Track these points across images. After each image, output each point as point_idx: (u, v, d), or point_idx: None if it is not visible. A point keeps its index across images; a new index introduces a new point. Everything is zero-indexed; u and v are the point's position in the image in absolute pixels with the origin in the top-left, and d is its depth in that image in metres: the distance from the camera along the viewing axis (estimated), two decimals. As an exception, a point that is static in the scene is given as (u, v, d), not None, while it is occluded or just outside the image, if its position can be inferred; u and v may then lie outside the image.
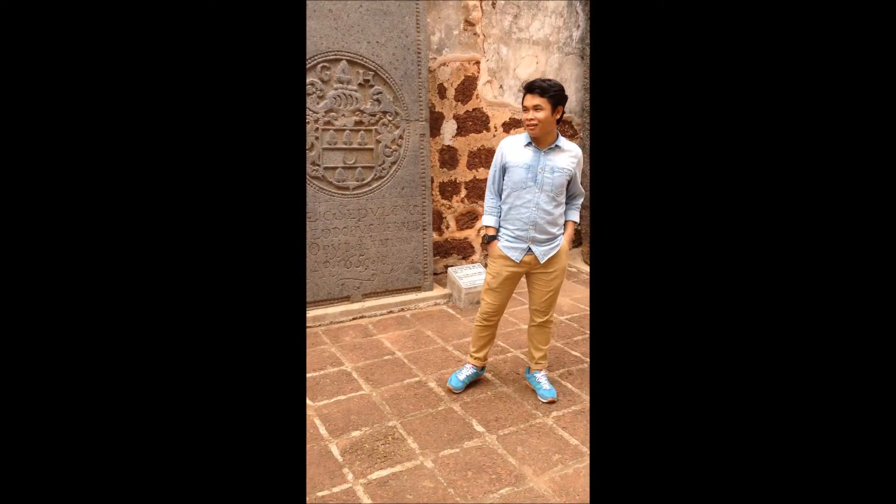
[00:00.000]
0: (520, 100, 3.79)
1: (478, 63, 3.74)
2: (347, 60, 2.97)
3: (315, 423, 2.08)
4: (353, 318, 3.08)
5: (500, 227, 2.15)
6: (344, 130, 3.02)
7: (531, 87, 1.93)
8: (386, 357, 2.62)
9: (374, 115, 3.09)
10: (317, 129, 2.95)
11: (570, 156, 2.05)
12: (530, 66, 3.98)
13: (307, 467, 1.81)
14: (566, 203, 2.14)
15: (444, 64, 3.60)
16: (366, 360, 2.59)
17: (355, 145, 3.06)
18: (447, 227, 3.81)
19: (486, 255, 3.85)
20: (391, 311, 3.19)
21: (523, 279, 2.23)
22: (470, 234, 3.92)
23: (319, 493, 1.68)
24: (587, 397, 2.25)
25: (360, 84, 3.02)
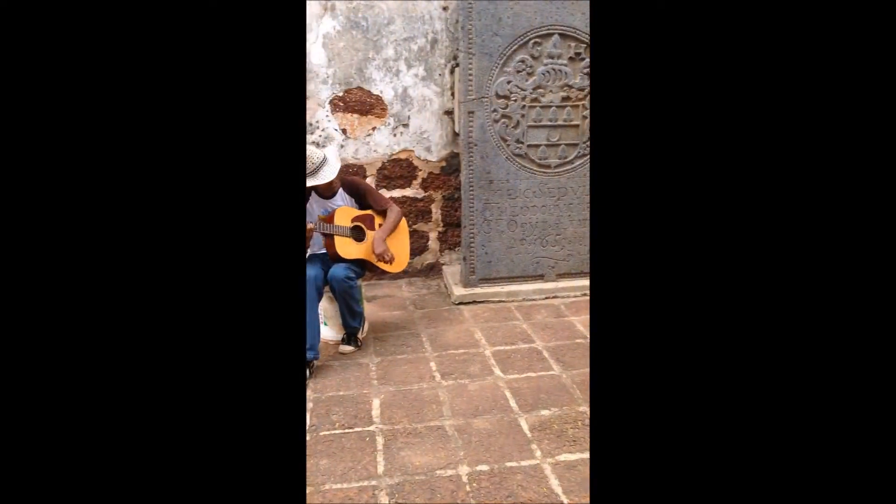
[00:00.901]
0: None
1: (703, 29, 3.34)
2: (560, 34, 2.89)
3: (506, 394, 2.13)
4: (546, 297, 3.07)
5: None
6: (550, 107, 2.97)
7: None
8: (578, 340, 2.56)
9: (583, 90, 2.97)
10: (523, 106, 2.95)
11: None
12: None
13: (497, 437, 1.87)
14: None
15: (662, 32, 3.30)
16: (556, 340, 2.57)
17: (560, 122, 2.99)
18: (650, 211, 3.54)
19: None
20: (584, 294, 3.10)
21: None
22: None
23: (508, 464, 1.73)
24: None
25: (570, 58, 2.93)
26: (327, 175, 2.35)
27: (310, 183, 2.35)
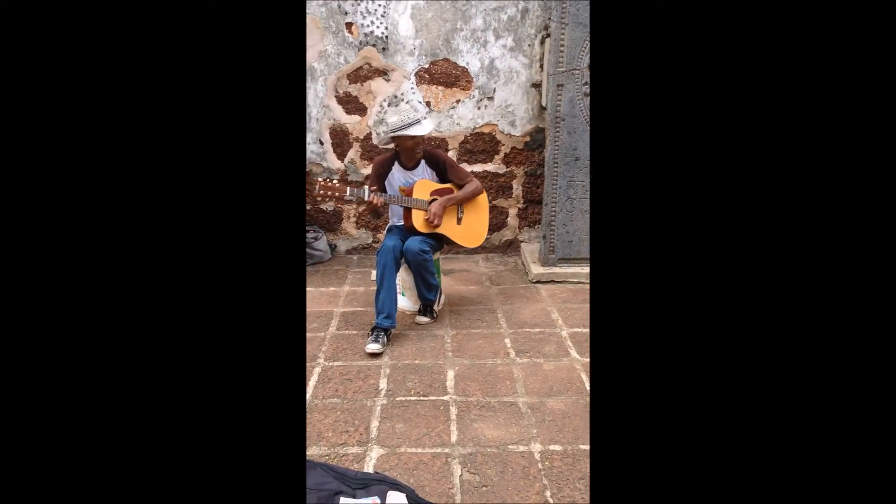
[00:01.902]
0: None
1: None
2: (660, 2, 2.70)
3: (581, 377, 2.10)
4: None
5: None
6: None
7: None
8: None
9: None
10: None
11: None
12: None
13: (572, 418, 1.84)
14: None
15: None
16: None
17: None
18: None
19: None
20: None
21: None
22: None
23: (581, 446, 1.71)
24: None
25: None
26: (415, 131, 2.35)
27: (395, 132, 2.36)
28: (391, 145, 2.50)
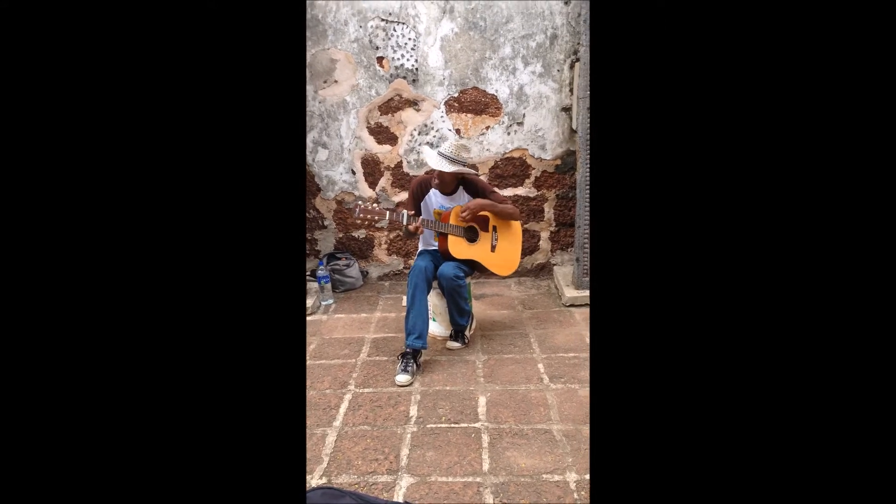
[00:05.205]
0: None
1: None
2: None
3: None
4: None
5: None
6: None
7: None
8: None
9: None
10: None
11: None
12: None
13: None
14: None
15: None
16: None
17: (688, 116, 2.77)
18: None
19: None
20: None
21: None
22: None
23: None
24: None
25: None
26: (443, 166, 2.36)
27: (434, 162, 2.37)
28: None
